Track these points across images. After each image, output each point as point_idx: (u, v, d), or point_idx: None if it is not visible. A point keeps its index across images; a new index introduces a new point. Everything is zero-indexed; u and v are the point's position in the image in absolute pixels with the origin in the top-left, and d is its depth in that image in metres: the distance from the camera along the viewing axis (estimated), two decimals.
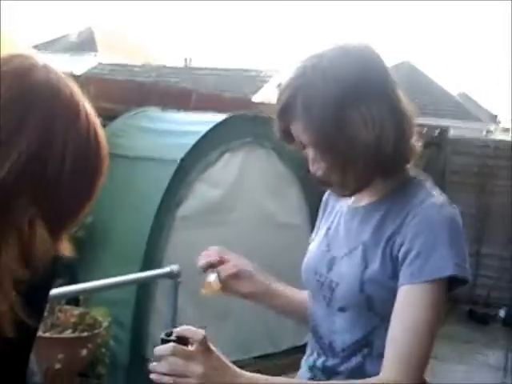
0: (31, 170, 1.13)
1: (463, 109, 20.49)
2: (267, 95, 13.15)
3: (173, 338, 1.33)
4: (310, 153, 1.62)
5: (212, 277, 1.79)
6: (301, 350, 6.46)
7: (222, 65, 17.84)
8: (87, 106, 1.23)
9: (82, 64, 16.91)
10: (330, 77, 1.54)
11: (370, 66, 1.60)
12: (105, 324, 4.27)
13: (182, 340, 1.34)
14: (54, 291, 3.08)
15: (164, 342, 1.33)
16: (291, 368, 5.62)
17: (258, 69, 15.67)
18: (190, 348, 1.33)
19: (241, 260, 1.86)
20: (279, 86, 1.69)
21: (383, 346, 1.57)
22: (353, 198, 1.74)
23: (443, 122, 9.85)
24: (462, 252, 1.55)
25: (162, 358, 1.31)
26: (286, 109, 1.61)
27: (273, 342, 5.68)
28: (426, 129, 9.31)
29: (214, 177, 5.25)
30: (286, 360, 5.70)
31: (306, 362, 1.82)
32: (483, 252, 8.84)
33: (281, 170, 5.79)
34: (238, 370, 1.38)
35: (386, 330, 1.57)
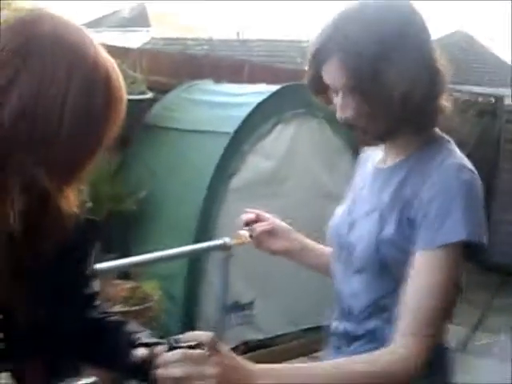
0: (30, 113, 1.16)
1: None
2: None
3: (182, 344, 1.28)
4: (340, 96, 1.60)
5: (243, 231, 1.90)
6: None
7: (274, 36, 17.73)
8: (100, 53, 1.28)
9: (134, 39, 16.98)
10: (371, 21, 1.54)
11: (410, 18, 1.59)
12: (156, 297, 4.30)
13: (191, 346, 1.28)
14: (105, 265, 3.10)
15: (173, 348, 1.28)
16: None
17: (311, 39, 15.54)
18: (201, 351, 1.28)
19: (276, 219, 1.94)
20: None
21: None
22: (378, 159, 1.75)
23: (498, 91, 9.62)
24: (477, 217, 1.53)
25: (173, 363, 1.25)
26: (322, 48, 1.59)
27: (322, 314, 5.65)
28: (480, 98, 9.14)
29: (267, 148, 5.23)
30: None
31: (330, 326, 1.82)
32: None
33: (333, 140, 5.74)
34: (252, 366, 1.34)
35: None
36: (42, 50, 1.20)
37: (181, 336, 1.31)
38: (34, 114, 1.18)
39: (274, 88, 5.35)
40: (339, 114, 1.63)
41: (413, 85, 1.53)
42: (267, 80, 6.12)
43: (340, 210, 1.82)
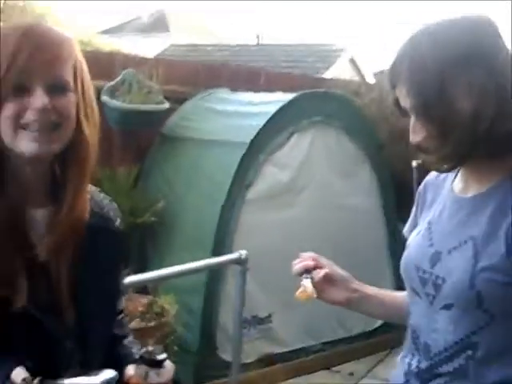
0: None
1: None
2: (339, 70, 12.98)
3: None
4: (412, 119, 1.60)
5: (307, 282, 1.74)
6: (371, 335, 6.42)
7: (294, 40, 17.71)
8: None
9: (154, 46, 17.03)
10: (439, 43, 1.54)
11: (482, 37, 1.56)
12: (173, 312, 4.27)
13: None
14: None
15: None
16: (361, 353, 5.58)
17: (331, 43, 15.47)
18: None
19: (334, 266, 1.82)
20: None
21: (490, 349, 1.53)
22: (458, 188, 1.68)
23: None
24: None
25: None
26: (392, 72, 1.61)
27: (343, 327, 5.61)
28: None
29: (283, 158, 5.18)
30: (356, 346, 5.64)
31: (401, 363, 1.74)
32: None
33: (351, 149, 5.67)
34: None
35: (496, 330, 1.53)
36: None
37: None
38: None
39: (289, 96, 5.30)
40: (411, 138, 1.61)
41: (480, 106, 1.51)
42: (284, 87, 6.09)
43: (413, 242, 1.75)
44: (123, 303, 1.71)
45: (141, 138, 5.42)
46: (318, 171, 5.40)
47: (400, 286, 1.93)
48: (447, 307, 1.59)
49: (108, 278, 1.57)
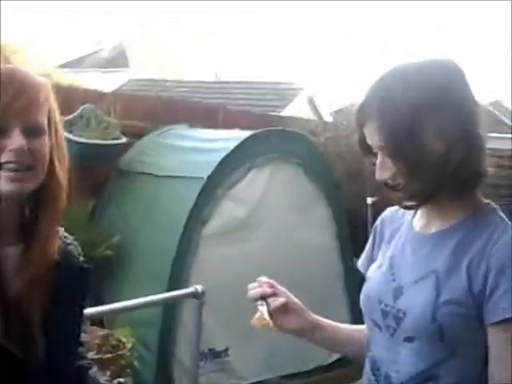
0: None
1: (496, 119, 20.14)
2: (297, 109, 13.12)
3: None
4: (379, 157, 1.63)
5: (263, 310, 1.72)
6: (328, 368, 6.43)
7: (252, 77, 17.84)
8: None
9: (113, 80, 17.03)
10: (410, 85, 1.58)
11: (451, 82, 1.62)
12: (129, 345, 4.26)
13: None
14: None
15: None
16: None
17: (289, 81, 15.64)
18: None
19: (289, 294, 1.81)
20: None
21: (451, 381, 1.57)
22: (419, 226, 1.72)
23: None
24: None
25: None
26: (362, 110, 1.64)
27: (300, 360, 5.63)
28: None
29: (240, 194, 5.23)
30: (314, 379, 5.66)
31: None
32: None
33: (307, 186, 5.75)
34: None
35: (456, 363, 1.57)
36: None
37: None
38: None
39: (247, 133, 5.38)
40: (377, 175, 1.65)
41: (449, 148, 1.57)
42: (242, 124, 6.16)
43: (374, 276, 1.76)
44: (84, 335, 1.74)
45: (97, 173, 5.43)
46: (275, 207, 5.46)
47: (356, 321, 1.96)
48: (409, 340, 1.62)
49: (73, 311, 1.62)
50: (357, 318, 1.89)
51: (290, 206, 5.60)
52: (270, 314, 1.74)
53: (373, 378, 1.71)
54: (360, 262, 1.91)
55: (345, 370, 5.46)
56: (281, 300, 1.76)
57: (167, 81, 15.75)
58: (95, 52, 27.41)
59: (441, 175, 1.58)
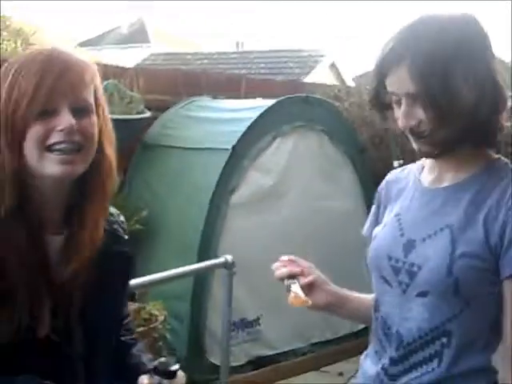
0: None
1: None
2: (320, 75, 13.05)
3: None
4: (404, 104, 1.60)
5: (297, 288, 1.72)
6: (359, 335, 6.44)
7: (273, 46, 17.77)
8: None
9: (134, 56, 17.04)
10: (444, 31, 1.57)
11: (475, 31, 1.62)
12: (161, 318, 4.29)
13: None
14: None
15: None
16: (349, 354, 5.62)
17: (311, 49, 15.55)
18: None
19: (313, 269, 1.81)
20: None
21: (464, 336, 1.57)
22: (428, 180, 1.72)
23: None
24: None
25: None
26: (389, 56, 1.60)
27: (330, 328, 5.64)
28: None
29: (266, 163, 5.22)
30: (344, 346, 5.68)
31: (366, 361, 1.78)
32: None
33: (333, 152, 5.72)
34: None
35: (470, 317, 1.57)
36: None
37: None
38: None
39: (271, 102, 5.35)
40: (402, 123, 1.62)
41: (481, 96, 1.56)
42: (265, 93, 6.13)
43: (381, 233, 1.76)
44: (128, 308, 1.77)
45: (123, 148, 5.42)
46: (301, 175, 5.45)
47: None
48: (422, 294, 1.61)
49: (116, 294, 1.62)
50: None
51: (316, 174, 5.58)
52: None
53: (384, 337, 1.70)
54: (366, 228, 1.89)
55: None
56: (309, 278, 1.76)
57: (188, 53, 15.74)
58: (114, 28, 27.43)
59: (468, 124, 1.57)
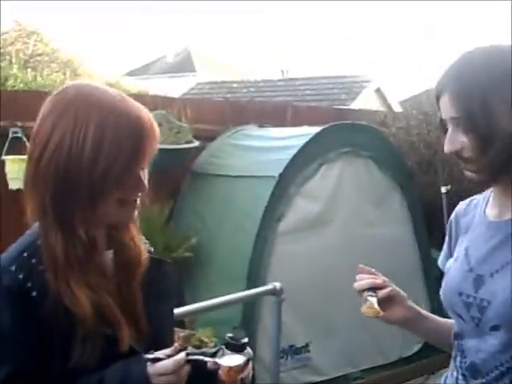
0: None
1: None
2: (365, 101, 13.04)
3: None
4: (450, 129, 1.67)
5: (374, 300, 1.78)
6: (409, 360, 6.36)
7: (318, 73, 17.82)
8: (126, 102, 1.56)
9: (180, 85, 17.23)
10: (488, 60, 1.65)
11: None
12: (211, 344, 4.31)
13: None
14: None
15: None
16: (399, 379, 5.58)
17: (356, 74, 15.56)
18: None
19: (393, 285, 1.85)
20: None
21: None
22: (492, 214, 1.75)
23: None
24: None
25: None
26: (438, 86, 1.70)
27: (381, 353, 5.61)
28: None
29: (313, 190, 5.25)
30: (395, 371, 5.64)
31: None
32: None
33: (380, 178, 5.72)
34: None
35: None
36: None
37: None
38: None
39: (316, 129, 5.39)
40: (447, 147, 1.69)
41: None
42: (311, 120, 6.18)
43: (452, 269, 1.80)
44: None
45: (172, 177, 5.53)
46: (348, 201, 5.46)
47: (434, 313, 1.98)
48: (495, 328, 1.64)
49: (167, 306, 1.75)
50: (435, 309, 1.91)
51: (364, 200, 5.59)
52: (378, 304, 1.79)
53: (459, 364, 1.74)
54: (440, 260, 1.93)
55: (426, 360, 5.44)
56: (387, 290, 1.81)
57: (234, 82, 15.86)
58: (160, 58, 27.78)
59: (510, 151, 1.60)
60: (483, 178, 1.68)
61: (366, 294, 1.79)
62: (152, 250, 1.77)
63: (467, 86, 1.62)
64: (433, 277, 5.89)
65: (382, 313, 1.76)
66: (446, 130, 1.71)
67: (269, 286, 3.92)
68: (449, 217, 1.94)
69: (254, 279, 4.76)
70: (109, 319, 1.51)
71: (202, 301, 3.81)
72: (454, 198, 1.97)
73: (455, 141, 1.65)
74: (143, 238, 1.74)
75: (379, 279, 1.82)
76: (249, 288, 4.49)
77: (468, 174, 1.70)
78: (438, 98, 1.70)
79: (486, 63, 1.64)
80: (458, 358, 1.75)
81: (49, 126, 1.50)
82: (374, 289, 1.80)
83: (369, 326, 5.13)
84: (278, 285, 3.81)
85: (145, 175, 1.56)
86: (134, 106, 1.56)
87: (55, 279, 1.48)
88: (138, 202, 1.58)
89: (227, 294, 3.91)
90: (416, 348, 5.65)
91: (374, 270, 1.86)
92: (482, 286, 1.67)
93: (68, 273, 1.49)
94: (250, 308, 4.78)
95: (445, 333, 1.87)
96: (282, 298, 3.84)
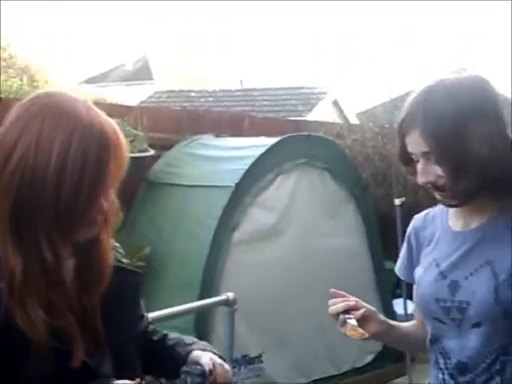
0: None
1: None
2: (322, 113, 13.12)
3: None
4: (421, 162, 1.79)
5: (354, 322, 1.85)
6: (362, 371, 6.42)
7: (276, 83, 17.88)
8: (94, 113, 1.54)
9: (138, 93, 17.16)
10: (452, 95, 1.75)
11: (486, 90, 1.79)
12: None
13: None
14: None
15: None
16: None
17: (313, 86, 15.65)
18: None
19: (361, 302, 1.94)
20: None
21: None
22: (457, 225, 1.89)
23: None
24: None
25: None
26: (405, 120, 1.80)
27: (334, 363, 5.64)
28: None
29: (268, 200, 5.27)
30: (347, 382, 5.67)
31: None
32: None
33: (335, 190, 5.76)
34: None
35: None
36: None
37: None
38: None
39: (273, 140, 5.41)
40: (421, 179, 1.80)
41: (492, 152, 1.71)
42: (267, 131, 6.21)
43: (422, 279, 1.91)
44: (147, 317, 1.88)
45: (126, 185, 5.48)
46: (303, 212, 5.48)
47: None
48: (478, 325, 1.77)
49: (131, 314, 1.70)
50: (389, 319, 1.98)
51: (318, 211, 5.62)
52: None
53: (443, 366, 1.86)
54: (397, 268, 2.08)
55: (378, 371, 5.47)
56: (362, 311, 1.89)
57: (192, 91, 15.84)
58: (119, 66, 27.64)
59: (483, 177, 1.73)
60: (456, 203, 1.81)
61: (342, 316, 1.86)
62: (120, 255, 1.74)
63: (436, 124, 1.73)
64: (386, 287, 5.95)
65: (366, 334, 1.85)
66: (410, 160, 1.82)
67: (222, 297, 3.91)
68: (403, 229, 2.05)
69: (207, 289, 4.75)
70: (64, 337, 1.44)
71: (156, 310, 3.79)
72: (408, 211, 2.07)
73: (429, 173, 1.77)
74: (113, 242, 1.70)
75: (352, 301, 1.90)
76: (202, 297, 4.48)
77: (440, 198, 1.83)
78: (403, 135, 1.79)
79: (449, 99, 1.74)
80: (441, 360, 1.86)
81: (14, 135, 1.45)
82: (348, 311, 1.87)
83: (322, 336, 5.16)
84: (231, 295, 3.80)
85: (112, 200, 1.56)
86: (101, 117, 1.54)
87: (10, 296, 1.41)
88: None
89: (181, 303, 3.88)
90: (369, 358, 5.69)
91: (342, 292, 1.94)
92: (459, 289, 1.80)
93: (24, 292, 1.41)
94: (202, 318, 4.76)
95: (411, 336, 2.03)
96: (234, 309, 3.84)
